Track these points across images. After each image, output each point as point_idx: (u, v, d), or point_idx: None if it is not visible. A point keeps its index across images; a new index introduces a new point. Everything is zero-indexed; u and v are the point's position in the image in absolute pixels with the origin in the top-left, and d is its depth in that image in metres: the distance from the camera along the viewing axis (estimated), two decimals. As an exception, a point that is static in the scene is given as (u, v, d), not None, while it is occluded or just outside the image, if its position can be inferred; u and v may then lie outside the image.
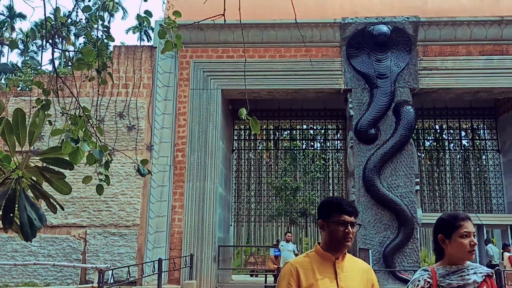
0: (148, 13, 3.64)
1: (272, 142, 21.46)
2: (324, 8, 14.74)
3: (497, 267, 11.44)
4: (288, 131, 21.39)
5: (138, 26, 46.75)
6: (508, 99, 16.41)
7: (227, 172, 16.44)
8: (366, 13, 14.53)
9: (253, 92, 14.65)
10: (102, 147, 3.15)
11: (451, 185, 19.56)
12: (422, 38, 14.24)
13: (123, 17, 47.78)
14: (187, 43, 14.20)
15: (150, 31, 47.35)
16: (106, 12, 46.08)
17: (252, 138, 19.60)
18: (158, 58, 14.51)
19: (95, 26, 3.67)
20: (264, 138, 21.32)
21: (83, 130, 3.20)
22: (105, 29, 3.72)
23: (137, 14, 3.78)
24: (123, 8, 47.09)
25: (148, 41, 45.46)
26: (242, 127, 18.74)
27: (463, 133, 19.13)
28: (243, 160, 19.68)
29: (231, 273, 15.32)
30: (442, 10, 14.49)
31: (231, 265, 15.50)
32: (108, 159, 3.32)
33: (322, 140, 21.94)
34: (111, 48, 18.58)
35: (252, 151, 20.03)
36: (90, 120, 3.36)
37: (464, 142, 19.25)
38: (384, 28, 13.91)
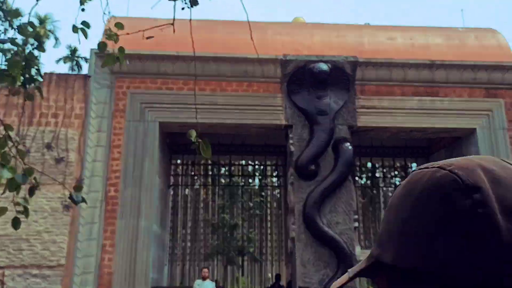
0: (86, 24, 3.22)
1: (210, 178, 20.94)
2: (266, 45, 14.81)
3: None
4: (227, 167, 21.04)
5: (70, 55, 45.12)
6: (440, 139, 17.17)
7: (163, 209, 15.68)
8: (307, 51, 14.79)
9: (192, 126, 14.24)
10: (26, 171, 2.62)
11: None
12: (360, 77, 14.65)
13: (55, 45, 45.85)
14: (124, 73, 13.64)
15: (82, 62, 45.82)
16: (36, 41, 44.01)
17: (190, 173, 19.02)
18: (93, 87, 13.80)
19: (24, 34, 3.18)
20: (202, 173, 20.79)
21: (1, 152, 2.66)
22: (36, 39, 3.23)
23: (73, 25, 3.31)
24: (55, 36, 45.31)
25: (79, 72, 43.84)
26: (179, 161, 18.15)
27: (397, 171, 19.71)
28: (179, 197, 18.99)
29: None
30: (378, 51, 15.06)
31: (165, 307, 14.55)
32: (34, 183, 2.79)
33: (261, 177, 21.77)
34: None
35: (189, 187, 19.40)
36: (10, 141, 2.82)
37: (397, 179, 19.83)
38: (324, 67, 14.17)
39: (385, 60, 14.74)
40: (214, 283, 10.46)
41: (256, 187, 24.83)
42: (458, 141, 16.10)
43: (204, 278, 10.08)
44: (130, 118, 13.71)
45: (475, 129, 14.95)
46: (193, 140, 2.50)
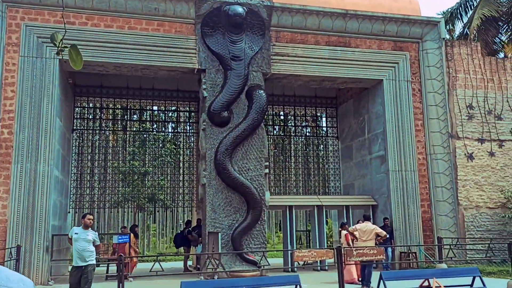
0: None
1: (119, 123, 19.98)
2: (179, -18, 13.97)
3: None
4: (138, 112, 20.16)
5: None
6: (348, 89, 17.69)
7: (65, 154, 14.74)
8: (222, -8, 14.17)
9: (97, 65, 13.27)
10: None
11: (294, 170, 20.56)
12: (275, 23, 14.42)
13: None
14: (17, 2, 12.19)
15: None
16: None
17: (97, 117, 17.97)
18: (-20, 17, 12.19)
19: None
20: (111, 118, 19.76)
21: None
22: None
23: None
24: None
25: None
26: (85, 104, 17.02)
27: (308, 121, 20.14)
28: (85, 142, 17.96)
29: (67, 264, 13.78)
30: (294, -3, 14.83)
31: (67, 255, 13.94)
32: None
33: (174, 123, 21.20)
34: None
35: (97, 132, 18.37)
36: None
37: (308, 129, 20.31)
38: (240, 9, 13.71)
39: (300, 6, 14.57)
40: (96, 233, 7.39)
41: (170, 134, 24.25)
42: (365, 91, 16.70)
43: (86, 227, 7.39)
44: (25, 53, 12.39)
45: (382, 80, 15.53)
46: (57, 46, 2.08)
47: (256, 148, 13.90)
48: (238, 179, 13.35)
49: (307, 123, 19.99)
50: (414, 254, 14.61)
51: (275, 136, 21.05)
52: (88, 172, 18.44)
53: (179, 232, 18.19)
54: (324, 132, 19.81)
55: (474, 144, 15.81)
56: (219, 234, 12.82)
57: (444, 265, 12.83)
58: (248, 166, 13.72)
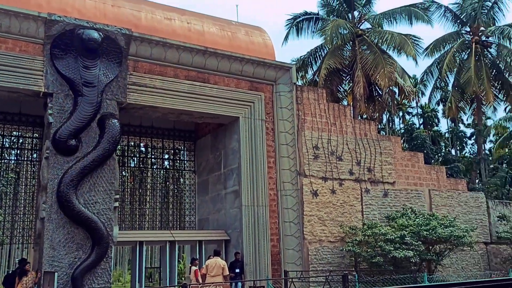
0: None
1: None
2: (28, -2, 12.97)
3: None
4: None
5: None
6: (206, 124, 17.91)
7: None
8: (77, 15, 13.51)
9: None
10: None
11: (151, 204, 19.93)
12: (133, 52, 14.11)
13: None
14: None
15: None
16: None
17: None
18: None
19: None
20: None
21: None
22: None
23: None
24: None
25: None
26: None
27: (166, 153, 19.85)
28: None
29: None
30: (154, 29, 14.78)
31: None
32: None
33: (15, 151, 19.18)
34: None
35: None
36: None
37: (166, 162, 19.98)
38: (95, 34, 13.14)
39: (161, 39, 14.53)
40: None
41: (13, 161, 21.83)
42: (222, 127, 17.08)
43: None
44: None
45: (238, 117, 16.05)
46: None
47: (106, 180, 13.15)
48: (83, 213, 12.42)
49: (164, 156, 19.67)
50: (262, 287, 14.96)
51: (133, 168, 20.27)
52: None
53: (11, 272, 16.16)
54: (182, 165, 19.66)
55: (319, 182, 17.05)
56: (56, 274, 11.65)
57: (289, 298, 13.33)
58: (96, 199, 12.88)
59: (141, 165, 20.53)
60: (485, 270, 19.52)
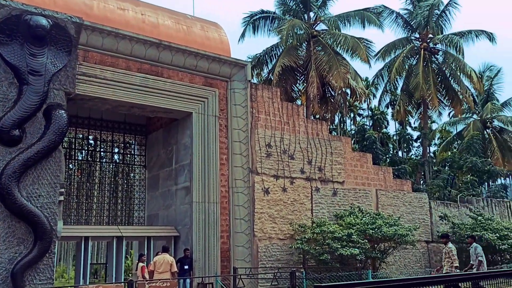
0: None
1: None
2: (-29, -21, 12.26)
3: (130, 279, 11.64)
4: None
5: None
6: (158, 118, 17.63)
7: None
8: (25, 0, 12.91)
9: None
10: None
11: (98, 198, 19.40)
12: (84, 42, 13.66)
13: None
14: None
15: None
16: None
17: None
18: None
19: None
20: None
21: None
22: None
23: None
24: None
25: None
26: None
27: (116, 147, 19.37)
28: None
29: None
30: (107, 19, 14.37)
31: None
32: None
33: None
34: None
35: None
36: None
37: (116, 156, 19.51)
38: (44, 21, 12.59)
39: (113, 29, 14.15)
40: None
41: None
42: (175, 122, 16.87)
43: None
44: None
45: (191, 113, 15.91)
46: None
47: (51, 173, 12.65)
48: (25, 206, 11.89)
49: (114, 150, 19.20)
50: (211, 284, 14.93)
51: (81, 161, 19.65)
52: None
53: None
54: (132, 160, 19.26)
55: (270, 180, 17.20)
56: (-7, 270, 11.10)
57: (237, 295, 13.37)
58: (40, 192, 12.36)
59: (89, 159, 19.93)
60: (426, 267, 20.39)
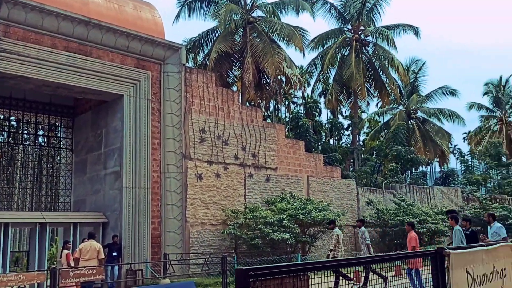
0: None
1: None
2: None
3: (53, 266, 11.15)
4: None
5: None
6: (87, 100, 16.88)
7: None
8: None
9: None
10: None
11: (20, 183, 18.34)
12: (5, 16, 12.73)
13: None
14: None
15: None
16: None
17: None
18: None
19: None
20: None
21: None
22: None
23: None
24: None
25: None
26: None
27: (40, 129, 18.35)
28: None
29: None
30: (31, -8, 13.44)
31: None
32: None
33: None
34: None
35: None
36: None
37: (40, 138, 18.50)
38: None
39: (37, 4, 13.27)
40: None
41: None
42: (104, 104, 16.23)
43: None
44: None
45: (123, 95, 15.37)
46: None
47: (-34, 156, 11.78)
48: None
49: (38, 132, 18.17)
50: (141, 271, 14.66)
51: (2, 143, 18.42)
52: None
53: None
54: (58, 143, 18.33)
55: (204, 165, 17.09)
56: None
57: (167, 281, 13.21)
58: (-47, 176, 11.48)
59: (11, 141, 18.73)
60: (352, 250, 21.31)
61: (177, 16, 27.33)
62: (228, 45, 25.43)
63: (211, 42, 26.91)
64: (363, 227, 13.73)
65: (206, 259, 14.49)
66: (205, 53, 27.63)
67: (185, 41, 27.81)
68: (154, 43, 15.89)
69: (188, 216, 16.26)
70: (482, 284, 4.59)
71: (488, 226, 10.84)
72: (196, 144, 16.97)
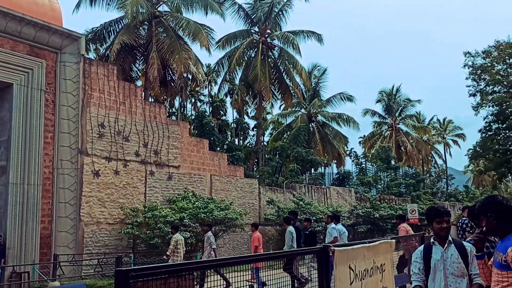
0: None
1: None
2: None
3: None
4: None
5: None
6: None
7: None
8: None
9: None
10: None
11: None
12: None
13: None
14: None
15: None
16: None
17: None
18: None
19: None
20: None
21: None
22: None
23: None
24: None
25: None
26: None
27: None
28: None
29: None
30: None
31: None
32: None
33: None
34: None
35: None
36: None
37: None
38: None
39: None
40: None
41: None
42: (-9, 93, 14.86)
43: None
44: None
45: (12, 84, 14.20)
46: None
47: None
48: None
49: None
50: (27, 273, 13.64)
51: None
52: None
53: None
54: None
55: (102, 162, 16.35)
56: None
57: (57, 283, 12.47)
58: None
59: None
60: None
61: (78, 5, 25.80)
62: (132, 37, 24.55)
63: (114, 33, 25.77)
64: (209, 232, 13.92)
65: (100, 259, 13.88)
66: (107, 44, 26.41)
67: (87, 31, 26.36)
68: (50, 30, 14.87)
69: (82, 214, 15.44)
70: (363, 279, 4.90)
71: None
72: (94, 139, 16.19)
